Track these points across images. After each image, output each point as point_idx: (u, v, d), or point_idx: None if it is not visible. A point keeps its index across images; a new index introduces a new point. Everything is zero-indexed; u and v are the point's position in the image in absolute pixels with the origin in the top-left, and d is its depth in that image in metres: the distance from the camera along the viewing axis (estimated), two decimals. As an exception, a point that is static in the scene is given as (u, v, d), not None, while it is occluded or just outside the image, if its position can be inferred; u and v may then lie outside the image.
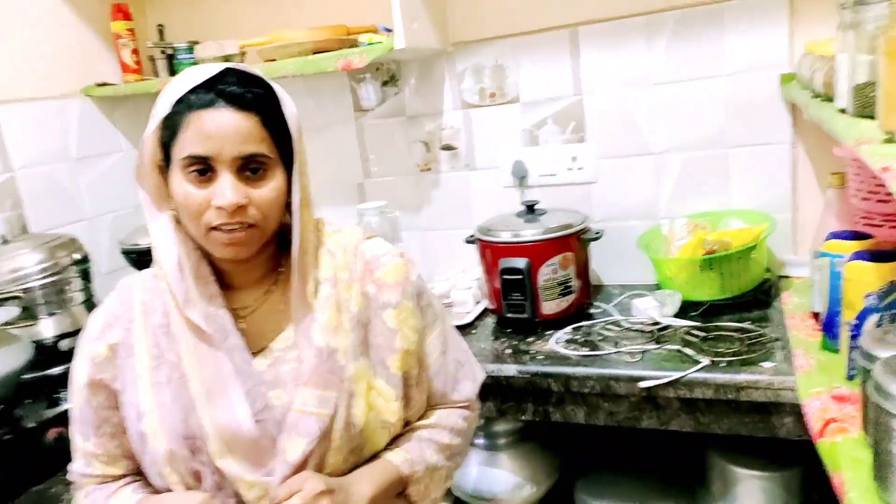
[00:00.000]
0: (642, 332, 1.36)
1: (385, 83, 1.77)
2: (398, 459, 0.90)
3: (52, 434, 1.31)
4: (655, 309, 1.39)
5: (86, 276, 1.61)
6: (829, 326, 1.12)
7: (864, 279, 0.97)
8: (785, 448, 1.26)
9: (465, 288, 1.61)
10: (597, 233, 1.45)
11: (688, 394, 1.15)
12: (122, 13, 1.84)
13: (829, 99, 1.04)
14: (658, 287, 1.54)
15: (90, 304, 1.56)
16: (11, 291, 1.46)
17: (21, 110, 1.69)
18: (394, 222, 1.75)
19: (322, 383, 0.86)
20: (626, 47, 1.52)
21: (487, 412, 1.34)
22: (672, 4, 1.46)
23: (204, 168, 0.83)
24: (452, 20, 1.65)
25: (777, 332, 1.25)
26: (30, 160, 1.70)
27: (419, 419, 0.97)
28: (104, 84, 1.84)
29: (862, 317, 0.98)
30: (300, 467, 0.84)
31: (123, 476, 0.93)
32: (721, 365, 1.16)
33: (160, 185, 0.89)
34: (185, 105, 0.83)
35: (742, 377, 1.11)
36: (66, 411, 0.98)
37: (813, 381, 1.06)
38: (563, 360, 1.29)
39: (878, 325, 0.95)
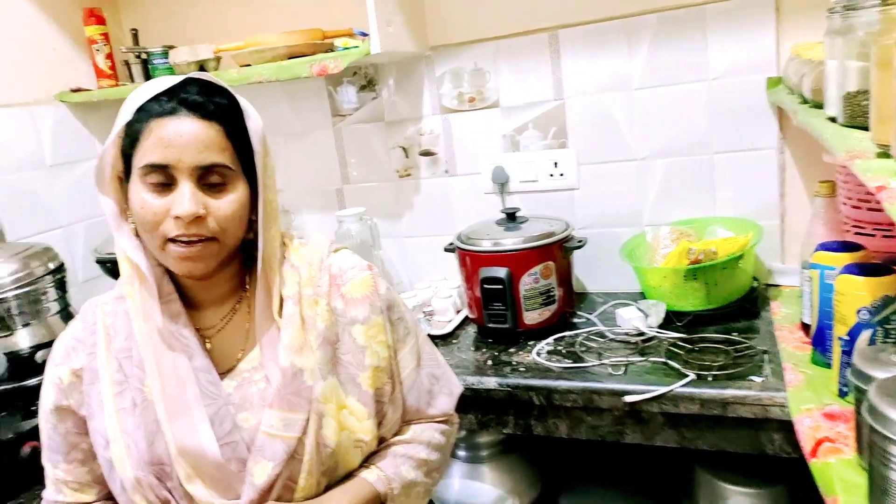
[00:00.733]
0: (626, 342, 1.33)
1: (363, 87, 1.73)
2: (373, 477, 0.88)
3: (27, 447, 1.27)
4: (640, 319, 1.35)
5: (61, 285, 1.56)
6: (819, 340, 1.09)
7: (856, 293, 0.93)
8: (773, 464, 1.23)
9: (446, 296, 1.57)
10: (580, 241, 1.41)
11: (673, 408, 1.11)
12: (96, 17, 1.80)
13: (819, 105, 1.01)
14: (642, 296, 1.51)
15: (66, 315, 1.52)
16: (-15, 302, 1.42)
17: (-10, 117, 1.64)
18: (373, 229, 1.71)
19: (287, 405, 0.83)
20: (607, 51, 1.48)
21: (468, 424, 1.30)
22: (652, 6, 1.43)
23: (163, 177, 0.81)
24: (430, 23, 1.62)
25: (765, 344, 1.22)
26: (2, 167, 1.65)
27: (394, 435, 0.95)
28: (78, 90, 1.79)
29: (854, 332, 0.95)
30: (267, 491, 0.82)
31: (95, 502, 0.91)
32: (707, 379, 1.12)
33: (120, 197, 0.86)
34: (146, 113, 0.81)
35: (729, 392, 1.07)
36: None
37: (803, 398, 1.02)
38: (546, 372, 1.25)
39: (871, 341, 0.92)
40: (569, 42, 1.51)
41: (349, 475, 0.89)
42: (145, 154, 0.81)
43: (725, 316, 1.35)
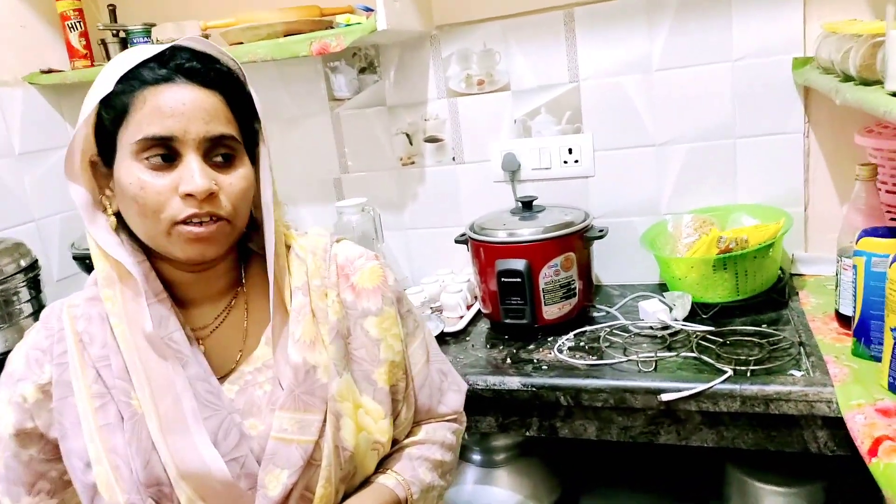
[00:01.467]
0: (652, 337, 1.26)
1: (363, 70, 1.63)
2: (392, 483, 0.83)
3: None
4: (664, 312, 1.29)
5: (35, 284, 1.45)
6: (862, 331, 1.03)
7: (913, 281, 0.88)
8: (807, 461, 1.17)
9: (456, 291, 1.48)
10: (600, 230, 1.34)
11: (712, 407, 1.05)
12: (69, -8, 1.66)
13: (868, 82, 0.95)
14: (662, 287, 1.45)
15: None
16: (-52, 304, 1.30)
17: (-47, 100, 1.51)
18: (376, 221, 1.62)
19: (301, 406, 0.76)
20: (625, 30, 1.41)
21: (487, 427, 1.23)
22: (675, -17, 1.36)
23: (165, 153, 0.73)
24: (437, 0, 1.52)
25: (799, 336, 1.16)
26: (-36, 153, 1.52)
27: (406, 436, 0.90)
28: (50, 71, 1.66)
29: (910, 323, 0.89)
30: (283, 503, 0.74)
31: None
32: (746, 374, 1.06)
33: (92, 185, 0.78)
34: (136, 81, 0.73)
35: (772, 388, 1.01)
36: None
37: (852, 393, 0.97)
38: (571, 370, 1.17)
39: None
40: (585, 21, 1.43)
41: (365, 481, 0.83)
42: (140, 127, 0.71)
43: (753, 307, 1.29)
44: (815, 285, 1.35)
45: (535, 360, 1.23)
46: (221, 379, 0.79)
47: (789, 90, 1.34)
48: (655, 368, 1.14)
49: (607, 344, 1.26)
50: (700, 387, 1.05)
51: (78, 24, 1.66)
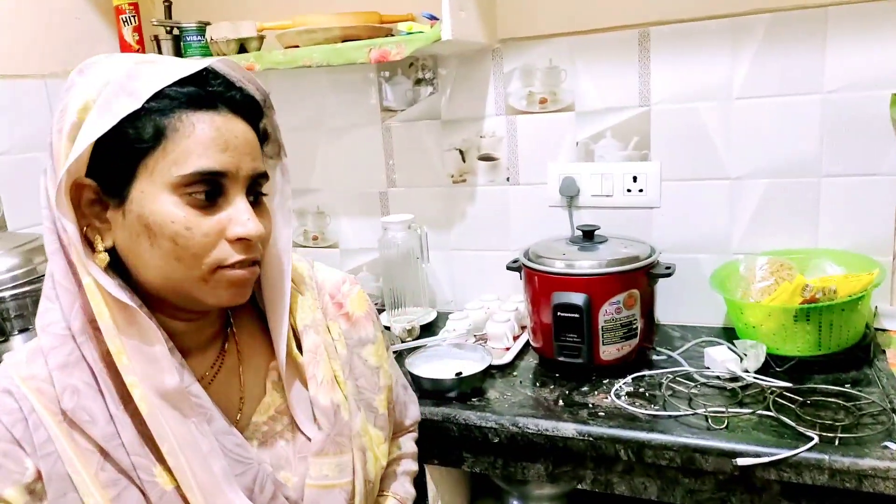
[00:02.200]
0: (721, 389, 1.15)
1: (418, 81, 1.56)
2: (398, 498, 0.87)
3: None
4: (734, 362, 1.18)
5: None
6: (974, 404, 0.91)
7: None
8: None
9: (503, 320, 1.39)
10: (667, 267, 1.23)
11: (794, 478, 0.93)
12: (125, -14, 1.63)
13: None
14: (727, 332, 1.33)
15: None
16: (-25, 304, 1.24)
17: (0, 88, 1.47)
18: (422, 239, 1.53)
19: (337, 448, 0.74)
20: (705, 53, 1.31)
21: (535, 476, 1.12)
22: (766, 6, 1.25)
23: (209, 189, 0.65)
24: (502, 13, 1.44)
25: (890, 402, 1.04)
26: (9, 146, 1.48)
27: None
28: (99, 64, 1.62)
29: None
30: None
31: None
32: (834, 443, 0.94)
33: (72, 214, 0.63)
34: (169, 101, 0.63)
35: (867, 463, 0.89)
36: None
37: (964, 476, 0.85)
38: (631, 420, 1.07)
39: None
40: (661, 41, 1.33)
41: None
42: (189, 157, 0.63)
43: (834, 364, 1.17)
44: (905, 344, 1.23)
45: (590, 405, 1.13)
46: None
47: (885, 128, 1.23)
48: (727, 427, 1.02)
49: (670, 392, 1.15)
50: (783, 454, 0.93)
51: (132, 18, 1.62)
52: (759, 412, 1.05)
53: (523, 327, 1.43)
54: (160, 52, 1.65)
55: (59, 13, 1.59)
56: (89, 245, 0.65)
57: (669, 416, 1.07)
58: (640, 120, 1.39)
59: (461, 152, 1.56)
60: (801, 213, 1.31)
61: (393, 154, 1.62)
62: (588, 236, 1.29)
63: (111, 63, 0.64)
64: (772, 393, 1.10)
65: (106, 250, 0.65)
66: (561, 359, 1.22)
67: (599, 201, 1.45)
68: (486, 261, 1.57)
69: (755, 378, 1.14)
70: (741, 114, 1.31)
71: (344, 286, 0.85)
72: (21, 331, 1.27)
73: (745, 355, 1.18)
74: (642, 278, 1.21)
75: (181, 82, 0.64)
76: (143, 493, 0.63)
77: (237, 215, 0.65)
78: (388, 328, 1.49)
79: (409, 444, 0.96)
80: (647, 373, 1.22)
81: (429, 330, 1.52)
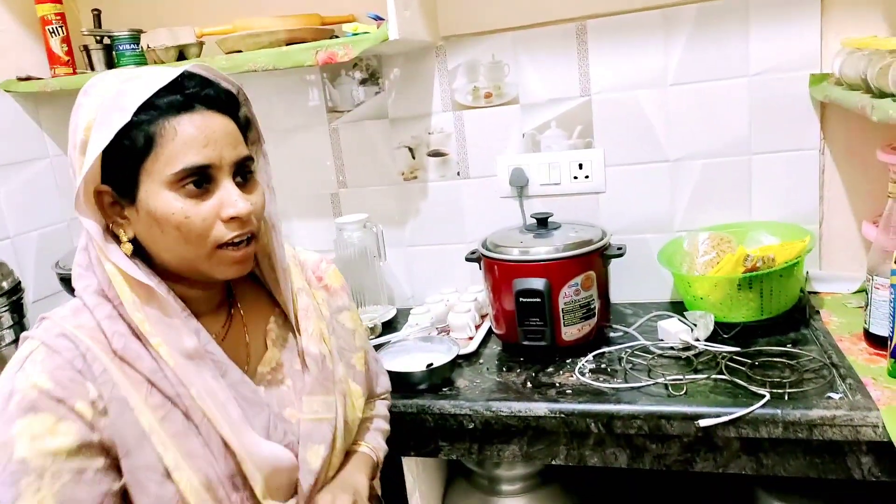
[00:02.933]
0: (676, 358, 1.22)
1: (363, 81, 1.57)
2: (367, 450, 0.97)
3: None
4: (686, 332, 1.25)
5: (17, 308, 1.33)
6: (902, 351, 1.01)
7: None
8: (844, 487, 1.14)
9: (464, 311, 1.42)
10: (619, 248, 1.29)
11: (752, 433, 1.00)
12: (49, -5, 1.56)
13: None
14: (676, 306, 1.41)
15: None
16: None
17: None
18: (378, 237, 1.55)
19: (323, 389, 0.88)
20: (640, 43, 1.38)
21: (510, 456, 1.16)
22: (692, -3, 1.33)
23: (198, 179, 0.76)
24: (444, 10, 1.47)
25: (829, 358, 1.13)
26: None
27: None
28: (28, 78, 1.56)
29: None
30: (321, 474, 0.84)
31: None
32: (784, 398, 1.02)
33: (98, 215, 0.77)
34: (153, 111, 0.74)
35: (816, 413, 0.97)
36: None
37: (899, 416, 0.93)
38: (598, 395, 1.12)
39: None
40: (598, 33, 1.40)
41: (347, 452, 0.94)
42: (176, 157, 0.74)
43: (775, 327, 1.26)
44: (835, 304, 1.33)
45: (557, 384, 1.18)
46: None
47: (806, 107, 1.33)
48: (686, 392, 1.09)
49: (630, 366, 1.21)
50: (740, 412, 1.00)
51: (60, 28, 1.56)
52: (714, 376, 1.12)
53: (483, 316, 1.47)
54: (90, 62, 1.59)
55: (-22, 25, 1.51)
56: (116, 238, 0.78)
57: (632, 388, 1.13)
58: (582, 109, 1.44)
59: (411, 149, 1.58)
60: (735, 189, 1.40)
61: (342, 154, 1.62)
62: (542, 223, 1.34)
63: (106, 83, 0.75)
64: (723, 358, 1.17)
65: (129, 241, 0.78)
66: (525, 343, 1.26)
67: (548, 189, 1.50)
68: (443, 255, 1.60)
69: (706, 346, 1.21)
70: (676, 99, 1.39)
71: (322, 264, 1.01)
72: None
73: (696, 325, 1.25)
74: (597, 260, 1.27)
75: (163, 90, 0.73)
76: (187, 416, 0.75)
77: (227, 198, 0.76)
78: (350, 328, 1.49)
79: (381, 408, 1.07)
80: (606, 349, 1.28)
81: (390, 327, 1.54)
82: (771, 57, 1.32)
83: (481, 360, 1.32)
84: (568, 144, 1.48)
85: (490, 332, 1.40)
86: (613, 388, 1.13)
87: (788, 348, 1.19)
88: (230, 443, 0.76)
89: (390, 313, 1.59)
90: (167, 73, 0.74)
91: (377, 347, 1.30)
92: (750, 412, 1.00)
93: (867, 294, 1.12)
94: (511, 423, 1.12)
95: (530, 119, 1.48)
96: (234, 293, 0.91)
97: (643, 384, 1.13)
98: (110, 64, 1.58)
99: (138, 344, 0.75)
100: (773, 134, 1.36)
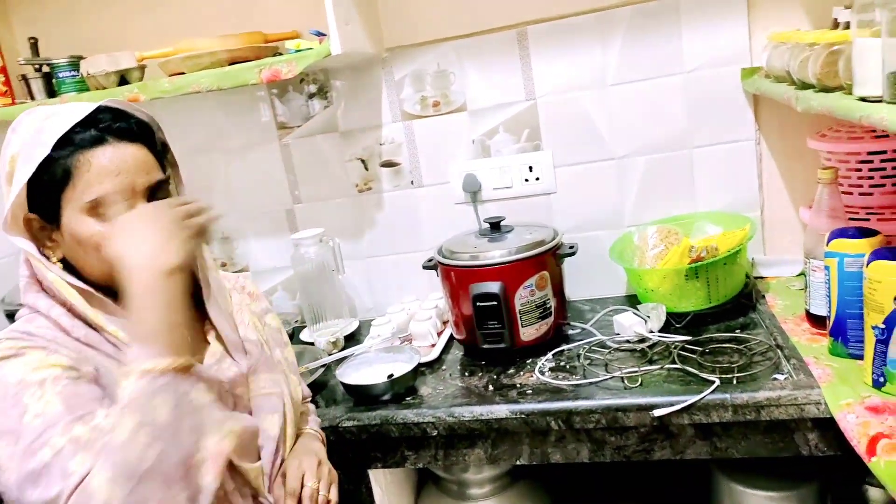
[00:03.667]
0: (632, 351, 1.25)
1: (311, 96, 1.58)
2: (313, 431, 1.06)
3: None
4: (640, 324, 1.28)
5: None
6: (839, 330, 1.06)
7: (892, 280, 0.90)
8: (792, 462, 1.18)
9: (425, 319, 1.44)
10: (571, 247, 1.32)
11: (704, 418, 1.04)
12: (-18, 25, 1.53)
13: (829, 89, 0.98)
14: (631, 299, 1.45)
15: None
16: None
17: None
18: (335, 251, 1.55)
19: (267, 368, 0.97)
20: (579, 46, 1.41)
21: (476, 460, 1.18)
22: (625, 0, 1.37)
23: (115, 206, 0.82)
24: (386, 22, 1.49)
25: (774, 340, 1.18)
26: None
27: None
28: (-38, 110, 1.52)
29: (891, 320, 0.91)
30: (280, 441, 0.93)
31: None
32: (732, 382, 1.06)
33: (28, 236, 0.84)
34: (70, 147, 0.80)
35: (762, 395, 1.02)
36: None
37: (839, 393, 0.98)
38: (557, 392, 1.14)
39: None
40: (538, 39, 1.43)
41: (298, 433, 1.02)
42: (91, 187, 0.80)
43: (724, 314, 1.30)
44: (779, 287, 1.39)
45: (518, 385, 1.20)
46: None
47: (739, 100, 1.38)
48: (641, 384, 1.12)
49: (588, 362, 1.24)
50: (691, 399, 1.04)
51: (-6, 58, 1.53)
52: (667, 366, 1.16)
53: (445, 322, 1.49)
54: (30, 92, 1.56)
55: None
56: (47, 259, 0.85)
57: (590, 384, 1.16)
58: (528, 113, 1.47)
59: (363, 161, 1.59)
60: (679, 182, 1.45)
61: (294, 170, 1.62)
62: (495, 227, 1.36)
63: (30, 118, 0.83)
64: (675, 347, 1.21)
65: (59, 261, 0.85)
66: (485, 346, 1.28)
67: (501, 193, 1.53)
68: (401, 264, 1.61)
69: (659, 336, 1.25)
70: (617, 99, 1.43)
71: (240, 277, 1.11)
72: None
73: (649, 317, 1.29)
74: (550, 260, 1.30)
75: (79, 125, 0.81)
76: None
77: None
78: (311, 344, 1.50)
79: (310, 405, 1.16)
80: (565, 347, 1.31)
81: (353, 339, 1.54)
82: (703, 53, 1.37)
83: (444, 367, 1.33)
84: (517, 148, 1.50)
85: (452, 338, 1.42)
86: (572, 385, 1.16)
87: (737, 333, 1.23)
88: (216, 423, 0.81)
89: (352, 326, 1.59)
90: (82, 109, 0.82)
91: (340, 361, 1.31)
92: (700, 399, 1.04)
93: (805, 276, 1.17)
94: (474, 426, 1.14)
95: (479, 125, 1.51)
96: None
97: (600, 379, 1.16)
98: (51, 92, 1.56)
99: (96, 334, 0.82)
100: (710, 127, 1.41)
